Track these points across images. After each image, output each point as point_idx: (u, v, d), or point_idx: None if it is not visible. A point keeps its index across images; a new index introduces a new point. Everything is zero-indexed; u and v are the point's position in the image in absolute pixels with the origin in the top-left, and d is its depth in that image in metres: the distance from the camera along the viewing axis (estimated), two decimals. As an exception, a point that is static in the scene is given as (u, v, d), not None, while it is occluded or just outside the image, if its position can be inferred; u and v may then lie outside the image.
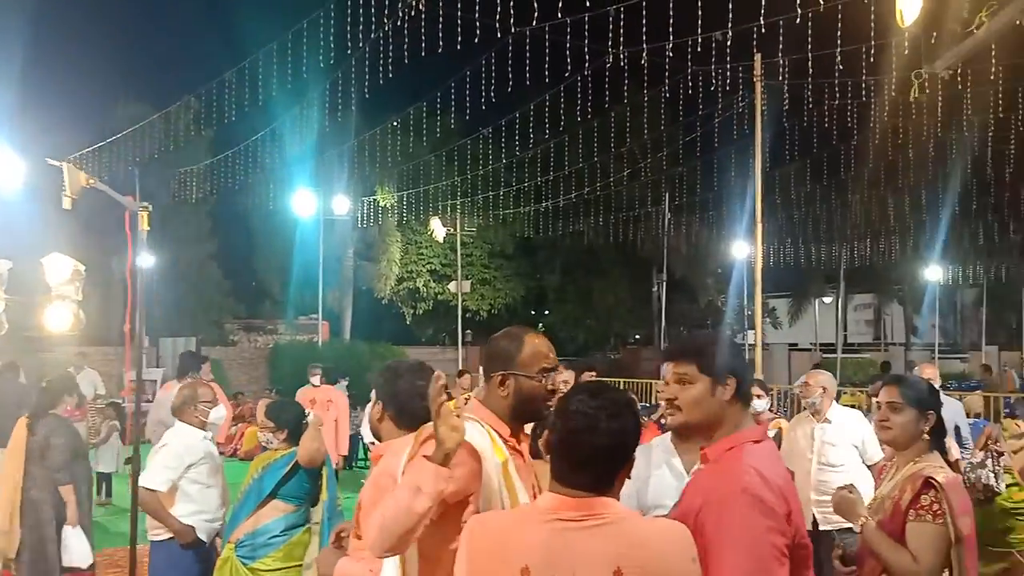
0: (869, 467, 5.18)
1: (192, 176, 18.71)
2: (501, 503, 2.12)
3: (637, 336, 36.61)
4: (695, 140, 18.84)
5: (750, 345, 20.43)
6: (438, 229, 23.04)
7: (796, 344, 37.98)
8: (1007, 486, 5.31)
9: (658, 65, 11.95)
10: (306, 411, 4.95)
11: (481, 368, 2.47)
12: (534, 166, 18.92)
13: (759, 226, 13.49)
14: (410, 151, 19.79)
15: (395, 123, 17.73)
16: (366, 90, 12.29)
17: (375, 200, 23.89)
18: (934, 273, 31.38)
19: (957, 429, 6.60)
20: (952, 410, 6.72)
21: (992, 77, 10.09)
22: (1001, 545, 5.30)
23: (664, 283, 26.42)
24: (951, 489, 2.72)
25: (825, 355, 33.82)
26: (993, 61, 9.83)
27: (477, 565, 1.76)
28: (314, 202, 20.24)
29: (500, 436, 2.24)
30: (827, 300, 37.19)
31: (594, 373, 12.48)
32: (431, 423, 1.99)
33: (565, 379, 8.34)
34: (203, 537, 4.58)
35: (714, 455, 2.07)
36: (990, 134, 15.61)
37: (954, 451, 5.85)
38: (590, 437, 1.77)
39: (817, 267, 31.40)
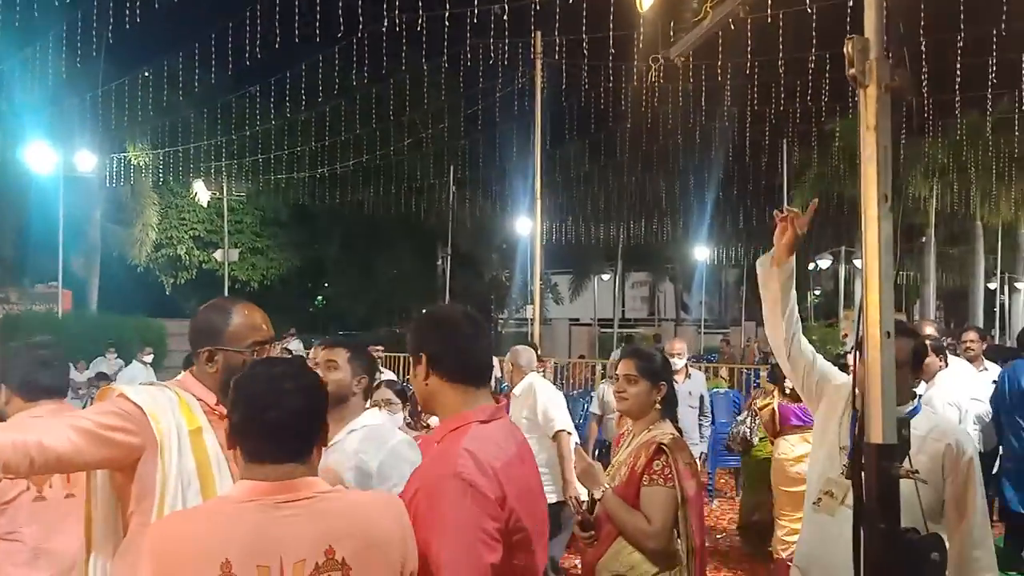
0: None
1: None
2: (181, 470, 2.08)
3: (423, 310, 36.83)
4: (478, 114, 19.16)
5: (529, 320, 21.23)
6: (201, 192, 21.81)
7: (577, 319, 39.98)
8: (760, 439, 6.62)
9: (437, 34, 11.99)
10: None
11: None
12: (308, 129, 18.30)
13: (538, 203, 13.93)
14: (164, 106, 18.45)
15: (147, 73, 16.43)
16: (109, 35, 11.27)
17: (126, 157, 22.13)
18: (701, 253, 34.25)
19: (701, 398, 7.20)
20: (697, 381, 7.36)
21: (747, 70, 11.12)
22: (761, 487, 6.56)
23: (449, 257, 26.66)
24: (679, 454, 2.96)
25: (603, 330, 35.90)
26: (748, 54, 10.82)
27: (168, 570, 1.62)
28: (53, 157, 18.35)
29: (205, 404, 2.20)
30: (606, 277, 39.36)
31: (380, 348, 12.29)
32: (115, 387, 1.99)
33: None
34: None
35: (439, 436, 2.08)
36: (748, 124, 17.22)
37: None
38: (278, 400, 1.70)
39: (597, 245, 33.18)
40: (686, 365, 7.19)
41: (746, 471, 7.29)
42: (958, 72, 12.09)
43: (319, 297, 38.90)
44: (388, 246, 30.79)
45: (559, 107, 18.15)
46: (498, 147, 21.95)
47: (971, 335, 7.33)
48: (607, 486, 3.03)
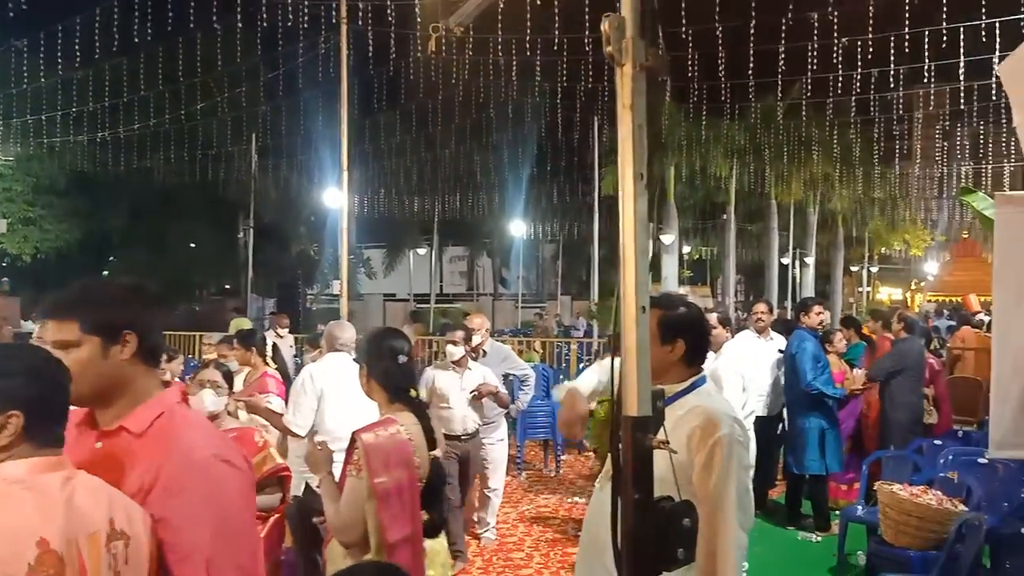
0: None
1: None
2: None
3: (227, 286, 35.51)
4: (279, 79, 18.46)
5: (336, 295, 20.85)
6: (-38, 156, 19.72)
7: (393, 294, 39.83)
8: (599, 402, 7.03)
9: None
10: None
11: None
12: (86, 89, 16.86)
13: (345, 174, 13.72)
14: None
15: None
16: None
17: None
18: (518, 228, 34.98)
19: (505, 376, 7.23)
20: (496, 357, 7.39)
21: (556, 47, 11.38)
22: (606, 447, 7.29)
23: (251, 229, 25.64)
24: (374, 448, 2.92)
25: (420, 305, 35.95)
26: (557, 32, 11.07)
27: None
28: None
29: None
30: (422, 251, 39.36)
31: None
32: None
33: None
34: None
35: (140, 427, 1.85)
36: (559, 100, 17.66)
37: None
38: (64, 385, 1.73)
39: (411, 219, 33.07)
40: (482, 341, 7.13)
41: (593, 435, 8.17)
42: (751, 58, 13.00)
43: (105, 273, 36.32)
44: (183, 217, 29.11)
45: (367, 75, 17.81)
46: (303, 115, 21.27)
47: (761, 307, 8.00)
48: (328, 473, 3.09)
